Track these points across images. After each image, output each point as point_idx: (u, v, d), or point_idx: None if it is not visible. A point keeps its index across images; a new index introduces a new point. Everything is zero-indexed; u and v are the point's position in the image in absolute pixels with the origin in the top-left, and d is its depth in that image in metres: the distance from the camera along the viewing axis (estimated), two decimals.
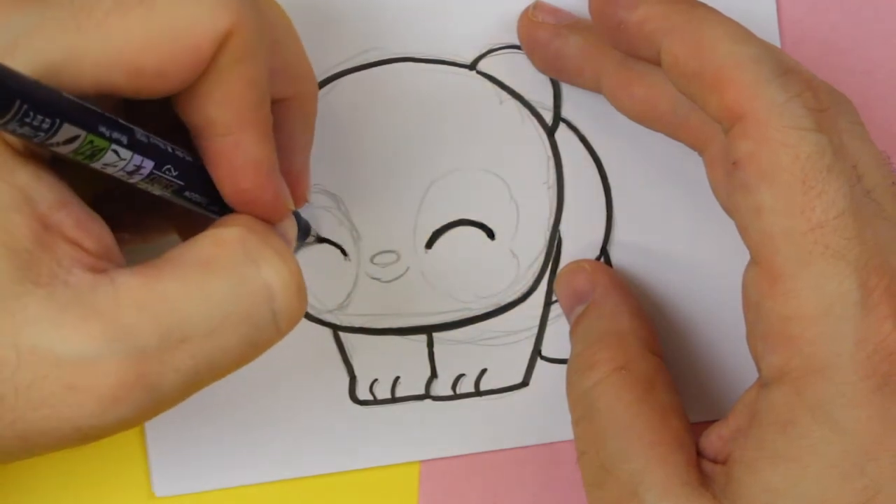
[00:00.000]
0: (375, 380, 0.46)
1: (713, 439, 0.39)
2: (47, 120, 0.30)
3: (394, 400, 0.46)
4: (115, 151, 0.32)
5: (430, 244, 0.45)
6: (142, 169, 0.33)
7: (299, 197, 0.40)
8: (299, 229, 0.42)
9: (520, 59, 0.45)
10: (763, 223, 0.36)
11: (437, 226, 0.45)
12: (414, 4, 0.45)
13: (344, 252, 0.45)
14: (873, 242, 0.36)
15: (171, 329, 0.32)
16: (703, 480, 0.38)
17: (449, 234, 0.45)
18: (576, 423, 0.42)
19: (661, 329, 0.45)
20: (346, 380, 0.45)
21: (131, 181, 0.34)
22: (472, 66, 0.45)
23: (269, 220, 0.37)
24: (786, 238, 0.35)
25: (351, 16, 0.44)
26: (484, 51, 0.45)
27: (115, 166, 0.33)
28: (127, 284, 0.32)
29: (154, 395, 0.32)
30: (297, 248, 0.44)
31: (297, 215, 0.42)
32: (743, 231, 0.37)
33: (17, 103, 0.29)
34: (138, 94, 0.33)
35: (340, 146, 0.44)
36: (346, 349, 0.45)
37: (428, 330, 0.46)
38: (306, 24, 0.41)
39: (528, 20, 0.44)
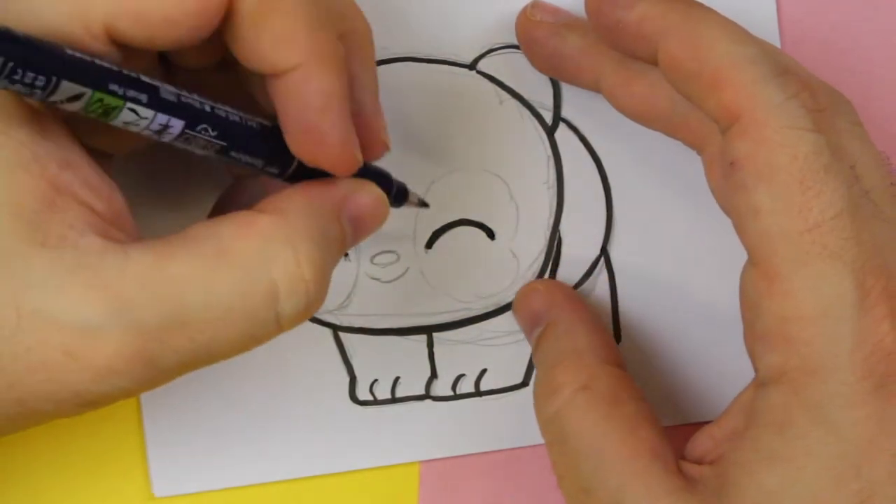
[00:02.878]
0: (375, 380, 0.46)
1: (704, 440, 0.39)
2: (41, 78, 0.29)
3: (394, 400, 0.46)
4: (133, 110, 0.32)
5: (430, 244, 0.45)
6: (170, 128, 0.33)
7: (377, 142, 0.38)
8: (395, 192, 0.41)
9: (520, 59, 0.45)
10: (761, 223, 0.36)
11: (437, 226, 0.45)
12: (414, 4, 0.45)
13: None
14: (871, 243, 0.36)
15: (172, 312, 0.32)
16: (688, 486, 0.38)
17: (449, 234, 0.45)
18: (549, 447, 0.41)
19: (661, 329, 0.45)
20: (346, 380, 0.45)
21: (163, 140, 0.33)
22: (472, 66, 0.45)
23: (338, 172, 0.36)
24: (783, 238, 0.35)
25: None
26: (484, 51, 0.45)
27: (138, 125, 0.32)
28: (137, 259, 0.32)
29: (151, 371, 0.32)
30: (401, 213, 0.43)
31: (389, 178, 0.40)
32: (741, 231, 0.37)
33: (1, 61, 0.28)
34: (152, 43, 0.33)
35: None
36: (346, 349, 0.45)
37: (428, 330, 0.46)
38: None
39: (526, 19, 0.44)
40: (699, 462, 0.39)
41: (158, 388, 0.33)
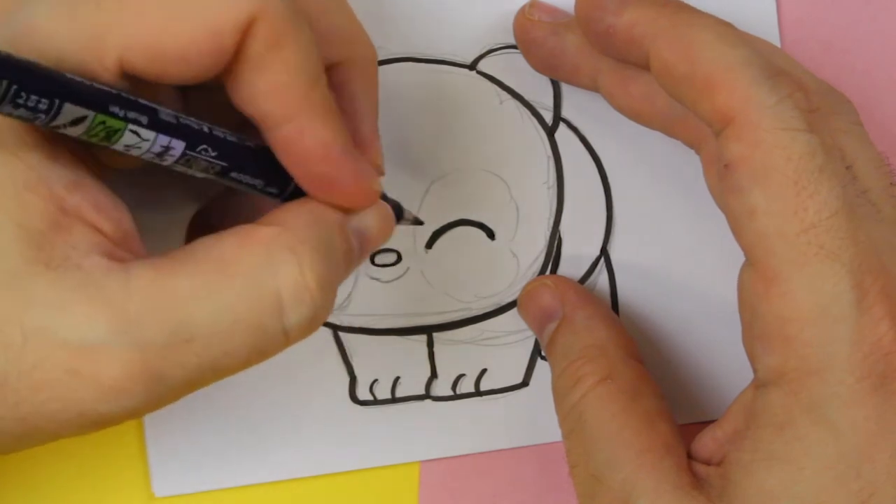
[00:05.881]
0: (375, 380, 0.46)
1: (707, 441, 0.39)
2: (44, 101, 0.29)
3: (394, 400, 0.46)
4: (135, 132, 0.32)
5: (430, 244, 0.45)
6: (171, 150, 0.33)
7: (372, 167, 0.38)
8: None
9: (520, 59, 0.45)
10: (757, 225, 0.36)
11: (437, 226, 0.45)
12: (414, 4, 0.45)
13: None
14: (868, 243, 0.36)
15: (176, 327, 0.32)
16: (696, 483, 0.38)
17: (449, 234, 0.45)
18: (566, 437, 0.42)
19: (661, 329, 0.45)
20: (346, 380, 0.45)
21: (164, 164, 0.33)
22: (472, 66, 0.45)
23: (354, 206, 0.36)
24: (780, 239, 0.35)
25: None
26: (484, 51, 0.45)
27: (140, 148, 0.32)
28: (140, 276, 0.32)
29: (158, 388, 0.32)
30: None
31: (384, 197, 0.40)
32: (737, 233, 0.37)
33: (4, 84, 0.28)
34: (161, 78, 0.33)
35: None
36: (346, 349, 0.45)
37: (428, 330, 0.46)
38: None
39: (524, 19, 0.44)
40: (706, 464, 0.39)
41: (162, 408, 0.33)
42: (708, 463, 0.39)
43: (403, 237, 0.45)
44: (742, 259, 0.37)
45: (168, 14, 0.32)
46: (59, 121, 0.30)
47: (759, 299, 0.36)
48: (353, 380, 0.45)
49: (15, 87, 0.28)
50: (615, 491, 0.39)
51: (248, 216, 0.37)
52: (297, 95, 0.34)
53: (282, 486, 0.45)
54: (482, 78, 0.45)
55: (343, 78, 0.38)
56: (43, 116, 0.30)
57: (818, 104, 0.36)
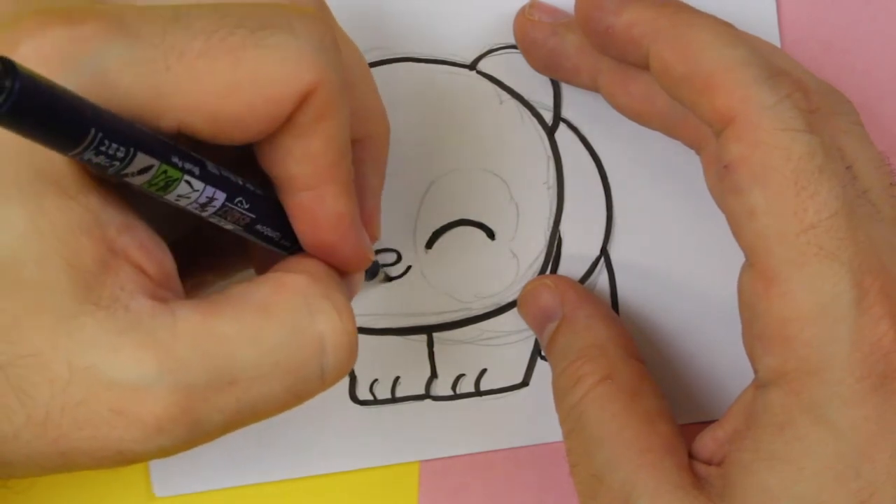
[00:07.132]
0: (375, 380, 0.46)
1: (708, 441, 0.39)
2: (122, 149, 0.30)
3: (394, 400, 0.46)
4: (188, 182, 0.32)
5: (430, 244, 0.45)
6: (214, 201, 0.33)
7: (370, 237, 0.40)
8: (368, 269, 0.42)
9: (520, 59, 0.45)
10: (756, 225, 0.36)
11: (437, 226, 0.45)
12: (414, 4, 0.45)
13: None
14: (868, 243, 0.36)
15: (221, 370, 0.32)
16: (697, 483, 0.38)
17: (449, 234, 0.45)
18: (566, 436, 0.42)
19: (661, 329, 0.45)
20: (346, 380, 0.45)
21: (203, 214, 0.34)
22: (472, 66, 0.45)
23: (346, 270, 0.37)
24: (779, 240, 0.35)
25: (351, 16, 0.44)
26: (484, 51, 0.45)
27: (189, 198, 0.33)
28: (186, 319, 0.32)
29: (195, 431, 0.32)
30: (364, 287, 0.45)
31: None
32: (737, 233, 0.37)
33: (93, 131, 0.29)
34: (214, 139, 0.33)
35: None
36: None
37: (428, 330, 0.46)
38: None
39: (524, 19, 0.44)
40: (707, 464, 0.39)
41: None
42: (708, 463, 0.39)
43: (403, 237, 0.45)
44: (742, 259, 0.37)
45: (233, 80, 0.32)
46: (130, 169, 0.31)
47: (759, 299, 0.36)
48: (353, 379, 0.46)
49: (100, 134, 0.29)
50: (615, 491, 0.39)
51: (232, 259, 0.39)
52: (326, 166, 0.34)
53: (282, 486, 0.45)
54: (482, 78, 0.45)
55: (359, 154, 0.38)
56: (118, 164, 0.30)
57: (818, 104, 0.36)
